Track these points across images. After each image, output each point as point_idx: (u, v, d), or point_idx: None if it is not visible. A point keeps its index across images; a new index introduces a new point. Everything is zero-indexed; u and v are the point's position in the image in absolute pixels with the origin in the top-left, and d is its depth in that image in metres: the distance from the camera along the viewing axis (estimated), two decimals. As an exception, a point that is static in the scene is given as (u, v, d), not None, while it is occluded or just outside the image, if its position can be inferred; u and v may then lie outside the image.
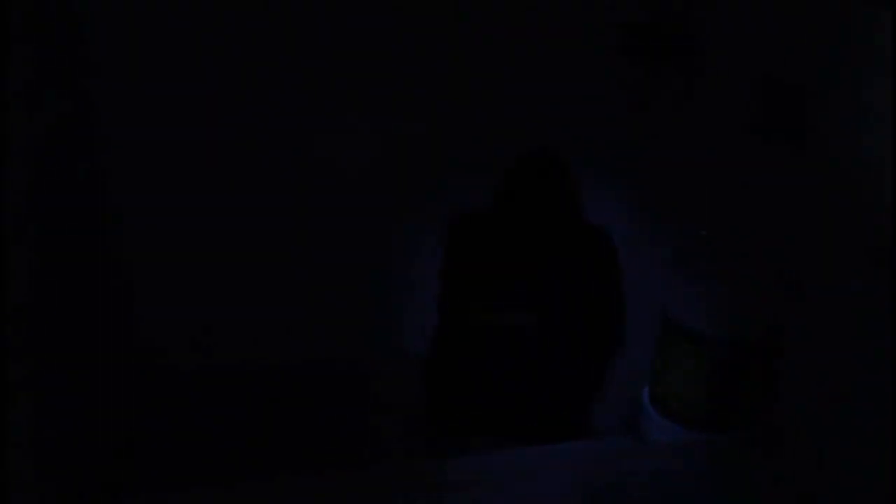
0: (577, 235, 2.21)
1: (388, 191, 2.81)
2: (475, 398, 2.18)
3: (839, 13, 2.63)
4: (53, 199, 1.90)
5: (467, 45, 2.70)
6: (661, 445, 2.17)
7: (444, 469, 1.71)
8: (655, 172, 2.81)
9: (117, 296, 2.66)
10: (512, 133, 2.63)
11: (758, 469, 1.82)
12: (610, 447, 2.23)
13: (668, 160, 2.80)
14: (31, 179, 1.67)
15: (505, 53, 2.75)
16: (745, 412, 2.09)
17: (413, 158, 2.78)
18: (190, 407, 2.72)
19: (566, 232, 2.20)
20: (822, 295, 2.09)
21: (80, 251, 2.20)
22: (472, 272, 2.18)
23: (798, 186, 2.59)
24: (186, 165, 2.64)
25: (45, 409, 1.69)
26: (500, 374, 2.14)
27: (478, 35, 2.71)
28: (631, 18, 2.77)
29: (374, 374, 2.86)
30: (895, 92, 1.99)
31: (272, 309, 2.83)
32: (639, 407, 2.33)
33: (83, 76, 2.34)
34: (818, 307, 2.09)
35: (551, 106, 2.78)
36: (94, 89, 2.41)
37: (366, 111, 2.71)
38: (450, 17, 2.66)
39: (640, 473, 1.74)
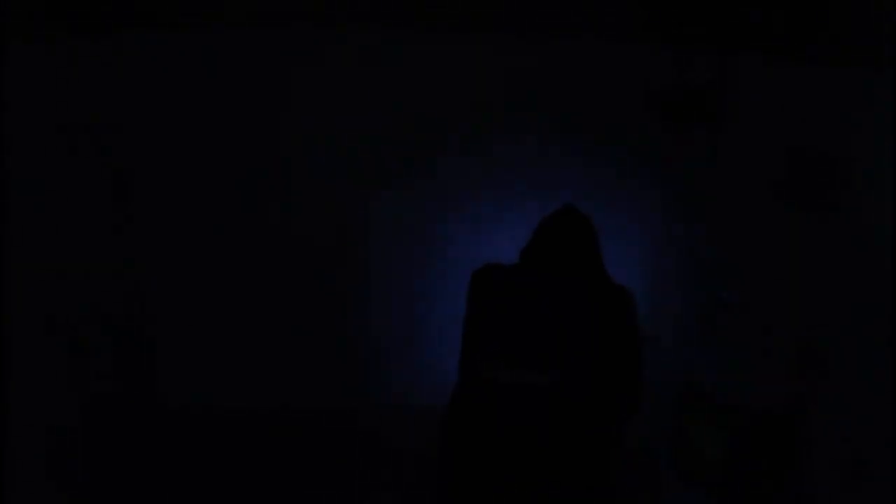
0: (599, 294, 2.23)
1: (394, 246, 2.86)
2: (492, 457, 2.17)
3: (861, 83, 2.67)
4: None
5: (495, 104, 2.78)
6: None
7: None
8: (679, 234, 2.83)
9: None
10: (539, 192, 2.67)
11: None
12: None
13: (692, 223, 2.83)
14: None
15: (534, 114, 2.82)
16: (765, 481, 2.08)
17: (430, 215, 2.83)
18: (182, 451, 2.74)
19: (589, 290, 2.21)
20: (846, 365, 2.09)
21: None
22: (494, 328, 2.19)
23: (821, 255, 2.61)
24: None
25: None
26: (518, 433, 2.13)
27: (506, 95, 2.79)
28: (662, 84, 2.83)
29: (373, 426, 2.85)
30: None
31: (266, 358, 2.84)
32: (658, 471, 2.32)
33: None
34: (842, 378, 2.09)
35: (581, 165, 2.83)
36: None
37: (381, 176, 2.78)
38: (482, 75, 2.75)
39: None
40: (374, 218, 2.81)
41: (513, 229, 2.51)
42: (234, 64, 2.66)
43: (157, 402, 2.77)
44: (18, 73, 2.30)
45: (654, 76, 2.86)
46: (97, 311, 2.64)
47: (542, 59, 2.82)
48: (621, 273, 2.48)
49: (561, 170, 2.80)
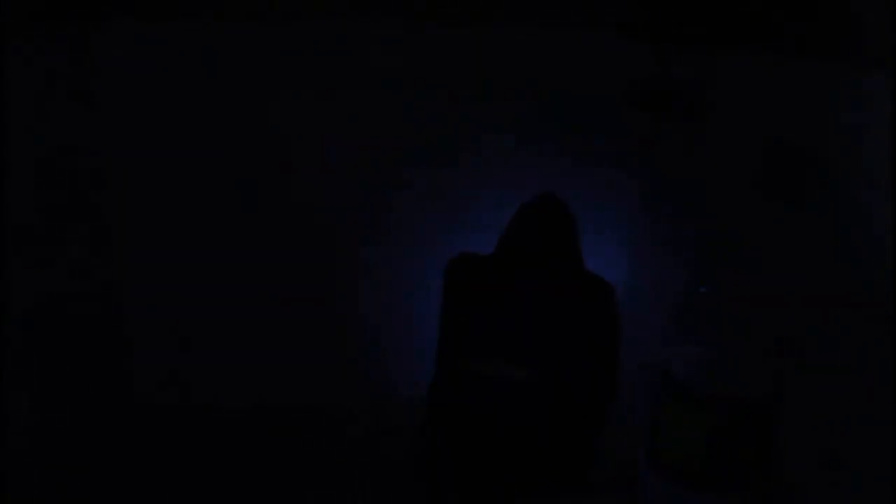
0: (578, 286, 2.21)
1: (383, 241, 2.83)
2: (470, 450, 2.15)
3: (840, 80, 2.68)
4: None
5: (483, 94, 2.75)
6: (658, 505, 2.13)
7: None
8: (657, 224, 2.83)
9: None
10: (519, 181, 2.65)
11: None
12: (605, 505, 2.18)
13: (670, 213, 2.83)
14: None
15: (515, 102, 2.79)
16: (743, 472, 2.06)
17: (414, 210, 2.80)
18: (173, 450, 2.66)
19: (567, 282, 2.20)
20: (821, 355, 2.08)
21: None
22: (471, 319, 2.16)
23: (798, 245, 2.60)
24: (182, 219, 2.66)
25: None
26: (495, 426, 2.11)
27: (490, 83, 2.77)
28: (643, 79, 2.83)
29: (360, 420, 2.82)
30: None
31: (259, 354, 2.81)
32: (635, 464, 2.29)
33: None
34: (818, 367, 2.08)
35: (558, 154, 2.81)
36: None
37: (368, 166, 2.74)
38: (466, 65, 2.71)
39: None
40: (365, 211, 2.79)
41: (491, 221, 2.48)
42: (233, 57, 2.62)
43: (140, 401, 2.73)
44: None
45: (636, 71, 2.86)
46: (79, 305, 2.59)
47: (526, 52, 2.80)
48: (599, 265, 2.46)
49: (539, 162, 2.79)
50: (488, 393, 2.10)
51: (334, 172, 2.66)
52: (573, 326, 2.17)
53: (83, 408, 2.49)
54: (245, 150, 2.54)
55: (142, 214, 2.66)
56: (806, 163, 2.62)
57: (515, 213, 2.20)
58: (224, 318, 2.76)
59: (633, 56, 2.61)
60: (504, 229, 2.20)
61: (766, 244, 2.56)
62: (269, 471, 2.67)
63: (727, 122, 2.71)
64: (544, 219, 2.19)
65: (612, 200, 2.82)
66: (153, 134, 2.50)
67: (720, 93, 2.68)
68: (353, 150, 2.59)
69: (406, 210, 2.79)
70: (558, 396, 2.13)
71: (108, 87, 2.36)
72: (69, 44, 2.06)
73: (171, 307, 2.72)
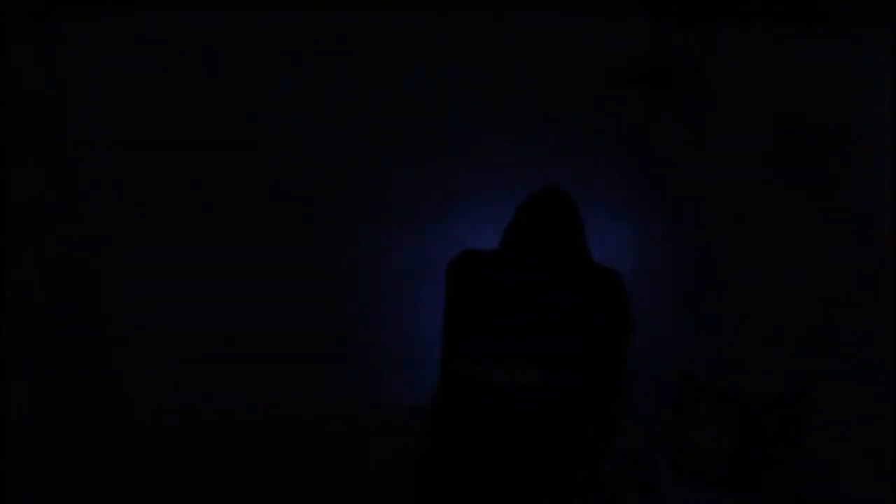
0: (586, 281, 2.09)
1: (380, 244, 2.74)
2: (476, 455, 2.04)
3: (845, 57, 2.58)
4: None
5: (478, 79, 2.65)
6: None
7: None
8: (667, 207, 2.72)
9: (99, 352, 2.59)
10: (523, 170, 2.55)
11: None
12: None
13: (680, 196, 2.71)
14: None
15: (517, 86, 2.69)
16: (769, 470, 1.95)
17: (408, 203, 2.71)
18: (174, 463, 2.59)
19: (575, 276, 2.08)
20: (850, 347, 1.98)
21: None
22: (476, 318, 2.05)
23: (817, 231, 2.49)
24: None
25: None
26: (502, 430, 2.00)
27: (489, 68, 2.66)
28: (640, 53, 2.70)
29: (362, 429, 2.76)
30: None
31: (258, 366, 2.74)
32: (654, 464, 2.19)
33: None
34: (846, 360, 1.97)
35: (561, 139, 2.71)
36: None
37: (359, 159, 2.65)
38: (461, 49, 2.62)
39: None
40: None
41: (490, 216, 2.42)
42: (229, 49, 2.52)
43: (133, 415, 2.67)
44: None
45: (634, 51, 2.75)
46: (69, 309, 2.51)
47: (519, 35, 2.69)
48: (606, 255, 2.34)
49: (538, 151, 2.69)
50: (495, 396, 2.00)
51: (328, 167, 2.56)
52: (584, 323, 2.05)
53: (69, 411, 2.40)
54: (236, 144, 2.45)
55: (125, 213, 2.56)
56: (822, 139, 2.51)
57: (519, 206, 2.10)
58: (218, 322, 2.67)
59: (629, 36, 2.53)
60: (509, 223, 2.09)
61: (784, 229, 2.44)
62: (267, 474, 2.63)
63: (733, 101, 2.60)
64: (549, 210, 2.08)
65: (620, 185, 2.70)
66: (134, 133, 2.41)
67: (724, 71, 2.58)
68: (348, 144, 2.49)
69: (405, 204, 2.69)
70: (571, 399, 2.02)
71: (82, 84, 2.27)
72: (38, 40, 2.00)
73: (157, 309, 2.63)
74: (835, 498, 1.89)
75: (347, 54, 2.52)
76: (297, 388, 2.76)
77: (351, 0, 2.46)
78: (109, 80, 2.44)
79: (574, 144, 2.68)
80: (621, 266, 2.52)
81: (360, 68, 2.54)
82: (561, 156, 2.64)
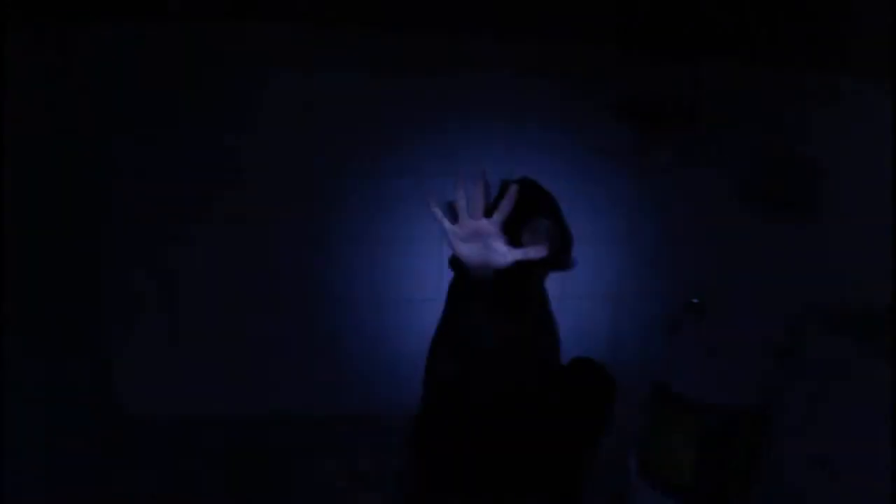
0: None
1: (377, 247, 2.80)
2: (460, 462, 2.11)
3: (833, 89, 2.67)
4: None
5: (480, 102, 2.73)
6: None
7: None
8: (650, 235, 2.80)
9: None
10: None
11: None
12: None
13: (663, 224, 2.80)
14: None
15: (509, 113, 2.77)
16: (733, 480, 2.03)
17: (406, 213, 2.78)
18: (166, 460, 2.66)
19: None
20: (814, 362, 2.06)
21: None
22: (461, 323, 2.11)
23: (791, 254, 2.58)
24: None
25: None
26: (486, 439, 2.07)
27: (486, 93, 2.75)
28: (634, 89, 2.80)
29: (353, 430, 2.80)
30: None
31: (254, 366, 2.78)
32: (625, 473, 2.27)
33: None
34: (810, 374, 2.05)
35: (551, 163, 2.79)
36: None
37: (361, 174, 2.72)
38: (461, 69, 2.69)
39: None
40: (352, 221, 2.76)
41: None
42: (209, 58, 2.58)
43: (129, 412, 2.71)
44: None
45: (627, 81, 2.84)
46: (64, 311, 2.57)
47: (516, 63, 2.78)
48: (589, 274, 2.42)
49: (528, 171, 2.77)
50: (484, 398, 2.06)
51: (322, 171, 2.63)
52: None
53: (63, 410, 2.47)
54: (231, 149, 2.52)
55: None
56: (802, 172, 2.61)
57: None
58: (212, 324, 2.72)
59: (623, 68, 2.61)
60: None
61: (759, 251, 2.53)
62: (267, 474, 2.66)
63: (720, 133, 2.70)
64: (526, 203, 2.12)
65: (603, 212, 2.79)
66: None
67: (714, 103, 2.67)
68: (341, 148, 2.56)
69: (399, 217, 2.76)
70: (557, 399, 2.08)
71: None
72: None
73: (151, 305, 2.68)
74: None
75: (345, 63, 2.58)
76: (297, 388, 2.81)
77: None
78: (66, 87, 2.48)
79: (564, 169, 2.77)
80: (608, 288, 2.60)
81: (354, 76, 2.60)
82: (552, 179, 2.73)
